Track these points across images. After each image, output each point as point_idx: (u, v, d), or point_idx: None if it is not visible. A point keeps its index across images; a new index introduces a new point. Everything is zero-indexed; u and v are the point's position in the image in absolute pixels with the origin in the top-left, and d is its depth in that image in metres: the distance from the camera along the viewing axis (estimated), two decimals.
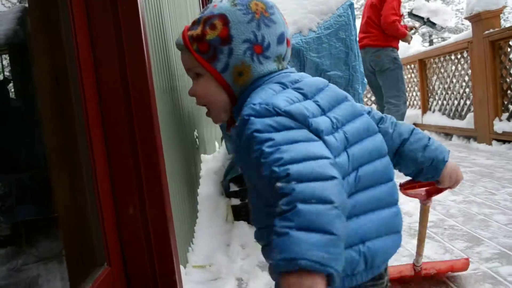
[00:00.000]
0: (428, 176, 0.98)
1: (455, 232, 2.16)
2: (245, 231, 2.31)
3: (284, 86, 0.85)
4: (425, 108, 6.17)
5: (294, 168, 0.68)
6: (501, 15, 4.57)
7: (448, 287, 1.61)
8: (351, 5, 2.25)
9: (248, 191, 0.91)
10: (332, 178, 0.68)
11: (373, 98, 8.15)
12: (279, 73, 0.89)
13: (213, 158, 3.10)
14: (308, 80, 0.88)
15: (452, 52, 5.32)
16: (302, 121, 0.76)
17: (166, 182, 1.67)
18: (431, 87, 6.02)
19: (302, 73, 0.93)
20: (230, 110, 0.94)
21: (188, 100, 2.74)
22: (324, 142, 0.76)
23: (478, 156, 4.07)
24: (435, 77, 5.89)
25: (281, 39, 0.91)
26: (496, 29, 4.34)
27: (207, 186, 2.67)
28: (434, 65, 5.89)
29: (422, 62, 6.19)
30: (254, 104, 0.78)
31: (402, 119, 4.37)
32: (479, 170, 3.46)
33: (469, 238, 2.05)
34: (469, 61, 4.89)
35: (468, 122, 4.90)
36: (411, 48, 6.29)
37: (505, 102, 4.34)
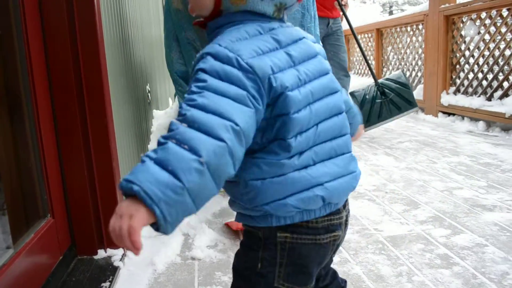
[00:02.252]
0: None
1: (395, 196, 2.27)
2: None
3: (260, 31, 0.82)
4: (379, 77, 6.31)
5: (194, 113, 0.68)
6: None
7: (384, 246, 1.71)
8: None
9: None
10: (220, 140, 0.67)
11: None
12: (264, 21, 0.85)
13: (165, 114, 3.06)
14: (285, 29, 0.87)
15: (408, 24, 5.42)
16: (260, 77, 0.75)
17: (113, 135, 1.63)
18: (385, 57, 6.14)
19: (287, 23, 0.91)
20: (206, 18, 0.88)
21: (141, 53, 2.66)
22: (288, 97, 0.77)
23: (424, 127, 4.25)
24: (390, 47, 6.00)
25: None
26: (452, 4, 4.44)
27: None
28: (391, 36, 5.99)
29: (379, 32, 6.28)
30: (219, 45, 0.76)
31: None
32: (423, 140, 3.62)
33: (408, 202, 2.17)
34: (423, 34, 5.01)
35: (417, 93, 5.06)
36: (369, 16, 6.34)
37: (453, 77, 4.51)
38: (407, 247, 1.69)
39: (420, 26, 5.17)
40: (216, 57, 0.75)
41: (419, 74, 5.25)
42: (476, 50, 4.18)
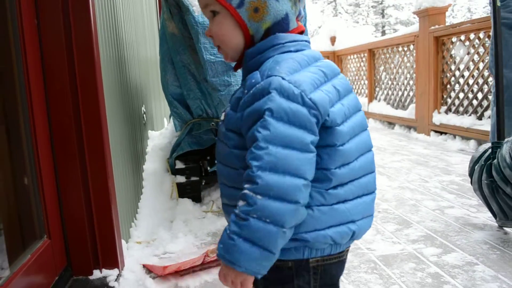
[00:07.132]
0: None
1: (388, 215, 2.30)
2: (189, 208, 2.35)
3: (306, 60, 0.83)
4: (371, 97, 6.40)
5: (265, 178, 0.72)
6: (449, 12, 4.79)
7: (376, 265, 1.73)
8: None
9: (217, 141, 0.91)
10: (296, 203, 0.73)
11: None
12: (298, 41, 0.86)
13: (160, 135, 3.09)
14: (326, 61, 0.88)
15: (400, 44, 5.53)
16: (321, 113, 0.76)
17: (109, 156, 1.66)
18: (378, 77, 6.23)
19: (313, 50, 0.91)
20: (242, 52, 0.89)
21: (136, 74, 2.70)
22: (335, 131, 0.79)
23: (416, 146, 4.30)
24: (382, 68, 6.10)
25: None
26: (441, 26, 4.55)
27: (153, 163, 2.67)
28: (383, 56, 6.09)
29: (372, 52, 6.38)
30: (283, 78, 0.76)
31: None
32: (415, 159, 3.66)
33: (400, 221, 2.20)
34: (414, 54, 5.11)
35: (410, 112, 5.14)
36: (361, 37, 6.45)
37: (444, 96, 4.59)
38: (399, 266, 1.71)
39: (411, 47, 5.27)
40: (282, 92, 0.75)
41: (411, 93, 5.33)
42: (466, 70, 4.27)
